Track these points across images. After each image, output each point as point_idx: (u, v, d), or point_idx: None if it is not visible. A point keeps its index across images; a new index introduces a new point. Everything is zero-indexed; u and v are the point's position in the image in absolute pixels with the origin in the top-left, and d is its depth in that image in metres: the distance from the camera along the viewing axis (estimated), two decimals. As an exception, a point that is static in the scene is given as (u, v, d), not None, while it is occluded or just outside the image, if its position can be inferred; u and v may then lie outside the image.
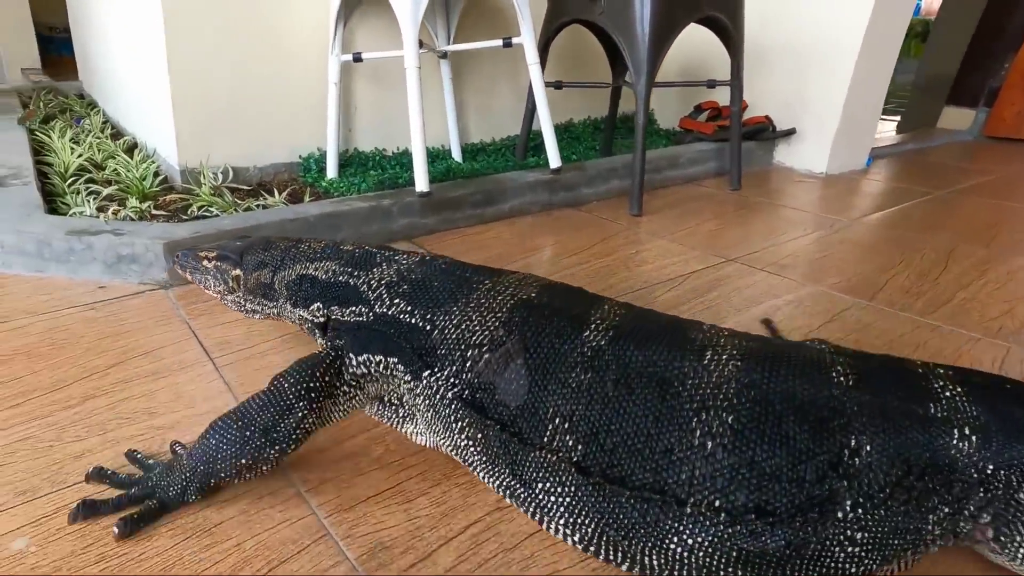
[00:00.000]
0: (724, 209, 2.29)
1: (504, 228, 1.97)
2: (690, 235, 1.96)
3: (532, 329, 0.77)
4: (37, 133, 2.65)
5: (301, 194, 2.10)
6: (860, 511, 0.61)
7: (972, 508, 0.63)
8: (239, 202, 1.97)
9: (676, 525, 0.64)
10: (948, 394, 0.66)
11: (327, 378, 0.83)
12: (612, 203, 2.26)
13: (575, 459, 0.69)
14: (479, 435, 0.77)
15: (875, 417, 0.63)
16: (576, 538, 0.71)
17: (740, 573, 0.62)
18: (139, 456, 0.97)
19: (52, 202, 1.93)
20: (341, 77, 2.16)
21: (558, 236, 1.94)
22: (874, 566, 0.62)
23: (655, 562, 0.66)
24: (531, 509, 0.74)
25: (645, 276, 1.67)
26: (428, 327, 0.83)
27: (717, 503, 0.63)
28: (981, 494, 0.63)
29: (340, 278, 0.95)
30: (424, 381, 0.82)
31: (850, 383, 0.67)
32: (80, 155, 2.35)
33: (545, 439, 0.71)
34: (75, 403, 1.16)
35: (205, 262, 1.17)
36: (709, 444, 0.64)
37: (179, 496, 0.85)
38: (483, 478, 0.81)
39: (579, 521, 0.69)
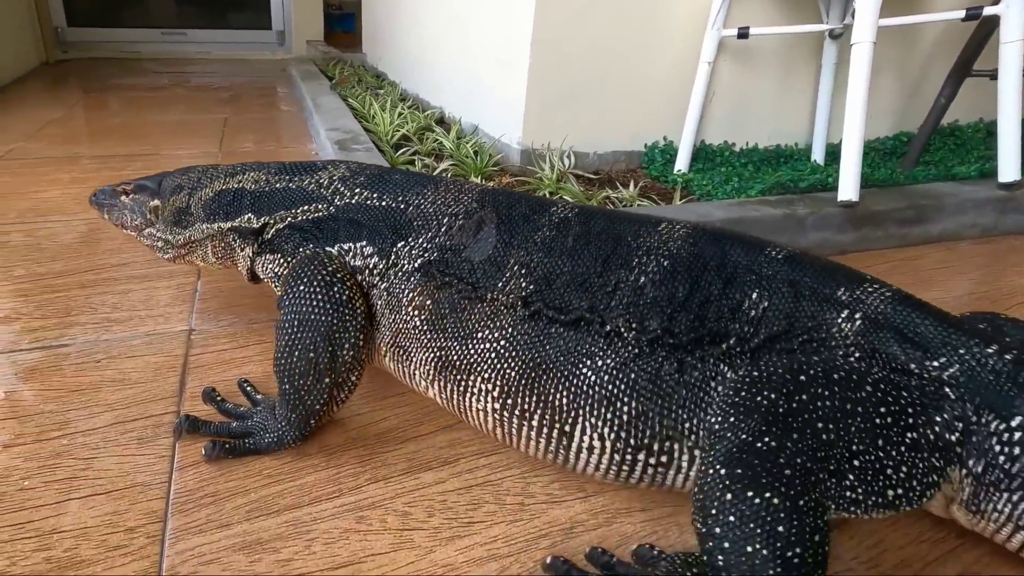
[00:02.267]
0: None
1: (943, 255, 1.52)
2: None
3: (504, 203, 0.83)
4: (349, 100, 2.56)
5: (651, 189, 1.78)
6: (739, 349, 0.67)
7: None
8: (586, 192, 1.69)
9: (593, 347, 0.71)
10: (869, 288, 0.69)
11: (332, 266, 0.82)
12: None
13: (523, 295, 0.75)
14: (428, 301, 0.80)
15: (782, 284, 0.69)
16: (495, 392, 0.74)
17: (634, 403, 0.68)
18: (248, 388, 0.93)
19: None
20: (714, 57, 1.81)
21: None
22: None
23: (563, 399, 0.71)
24: (457, 373, 0.77)
25: None
26: (403, 206, 0.86)
27: (633, 325, 0.70)
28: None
29: (278, 185, 0.94)
30: (392, 256, 0.83)
31: (779, 257, 0.72)
32: (399, 126, 2.20)
33: (500, 284, 0.76)
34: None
35: (123, 197, 1.08)
36: (642, 279, 0.72)
37: (275, 444, 0.82)
38: (417, 363, 0.81)
39: (505, 365, 0.74)
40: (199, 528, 0.72)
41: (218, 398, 0.91)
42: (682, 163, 1.89)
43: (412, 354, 0.82)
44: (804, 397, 0.60)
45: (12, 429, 0.86)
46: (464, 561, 0.70)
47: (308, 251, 0.86)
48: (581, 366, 0.70)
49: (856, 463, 0.59)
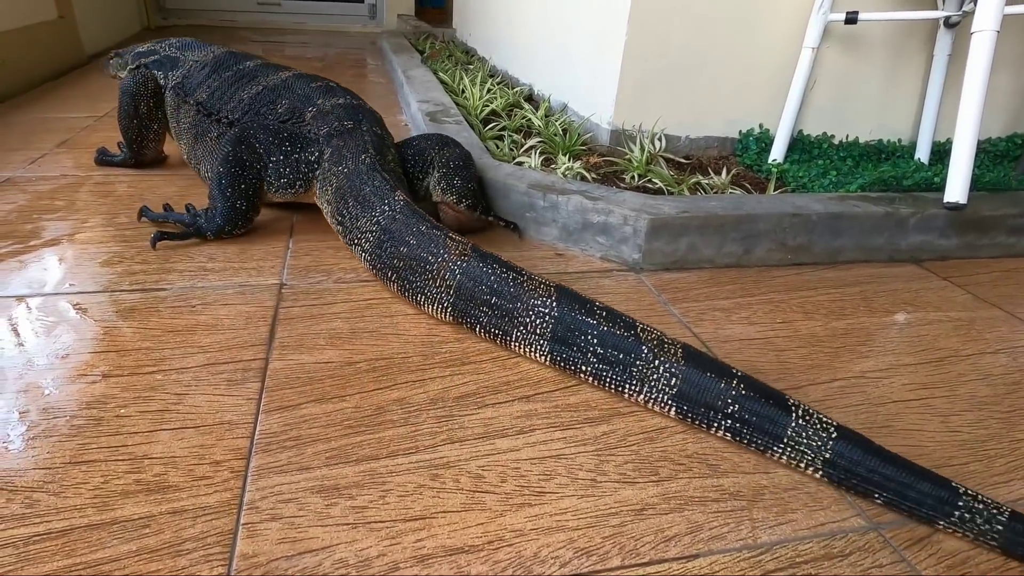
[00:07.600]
0: None
1: (1054, 269, 1.42)
2: None
3: (223, 58, 1.59)
4: (439, 74, 2.58)
5: (744, 178, 1.72)
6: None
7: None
8: (676, 176, 1.64)
9: (208, 125, 1.45)
10: (333, 99, 1.40)
11: (141, 70, 1.65)
12: None
13: (198, 100, 1.49)
14: (173, 99, 1.58)
15: (296, 94, 1.41)
16: (186, 147, 1.56)
17: (199, 150, 1.49)
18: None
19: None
20: (819, 43, 1.73)
21: None
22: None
23: (198, 152, 1.50)
24: (182, 134, 1.57)
25: None
26: (181, 56, 1.66)
27: (215, 115, 1.44)
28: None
29: (148, 48, 1.73)
30: (169, 79, 1.62)
31: (314, 86, 1.44)
32: (488, 101, 2.20)
33: (194, 95, 1.52)
34: (597, 415, 0.88)
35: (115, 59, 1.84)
36: (240, 95, 1.44)
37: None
38: (174, 131, 1.63)
39: (190, 133, 1.51)
40: (280, 468, 0.74)
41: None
42: (777, 153, 1.82)
43: (178, 124, 1.57)
44: (250, 132, 1.28)
45: (112, 361, 0.90)
46: (533, 529, 0.70)
47: (141, 70, 1.64)
48: (205, 133, 1.45)
49: (271, 165, 1.27)
